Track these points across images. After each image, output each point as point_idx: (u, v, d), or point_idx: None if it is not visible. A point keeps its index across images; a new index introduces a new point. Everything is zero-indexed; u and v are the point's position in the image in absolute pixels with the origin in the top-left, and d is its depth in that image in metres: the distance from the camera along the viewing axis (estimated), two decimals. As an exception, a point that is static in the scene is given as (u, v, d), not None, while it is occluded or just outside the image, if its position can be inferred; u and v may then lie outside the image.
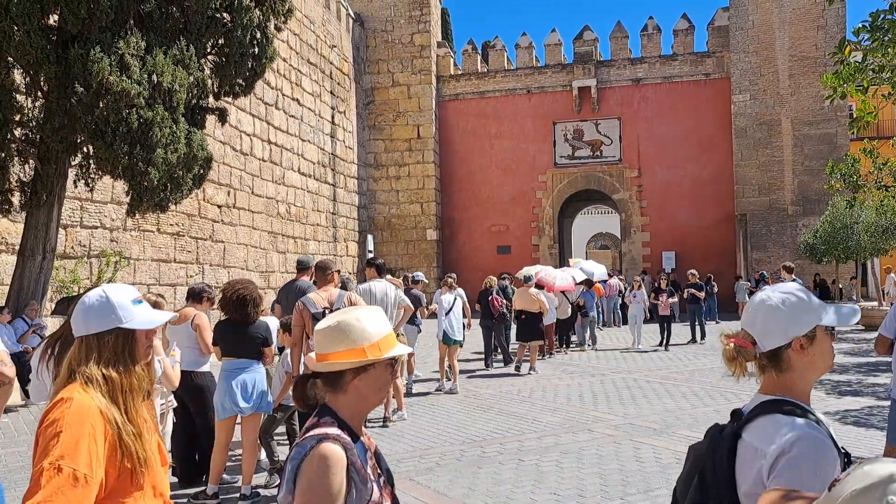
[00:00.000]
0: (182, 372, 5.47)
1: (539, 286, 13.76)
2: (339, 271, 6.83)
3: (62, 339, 3.44)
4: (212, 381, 6.13)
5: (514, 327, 13.39)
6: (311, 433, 1.82)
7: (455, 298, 11.18)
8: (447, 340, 10.83)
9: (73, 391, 1.98)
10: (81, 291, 10.89)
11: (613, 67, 27.56)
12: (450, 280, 11.75)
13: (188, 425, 6.22)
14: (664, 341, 15.82)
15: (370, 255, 24.68)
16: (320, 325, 1.97)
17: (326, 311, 5.79)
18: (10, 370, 3.04)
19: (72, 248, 12.80)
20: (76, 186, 11.22)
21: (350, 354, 1.89)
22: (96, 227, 13.38)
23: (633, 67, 27.41)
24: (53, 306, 11.78)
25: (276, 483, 6.13)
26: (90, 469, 1.86)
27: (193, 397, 6.10)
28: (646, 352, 15.39)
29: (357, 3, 27.97)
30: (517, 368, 12.67)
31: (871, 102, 7.48)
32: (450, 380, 10.76)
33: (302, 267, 8.15)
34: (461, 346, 11.26)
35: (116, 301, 2.08)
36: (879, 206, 19.52)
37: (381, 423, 8.38)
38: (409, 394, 10.20)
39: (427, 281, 14.52)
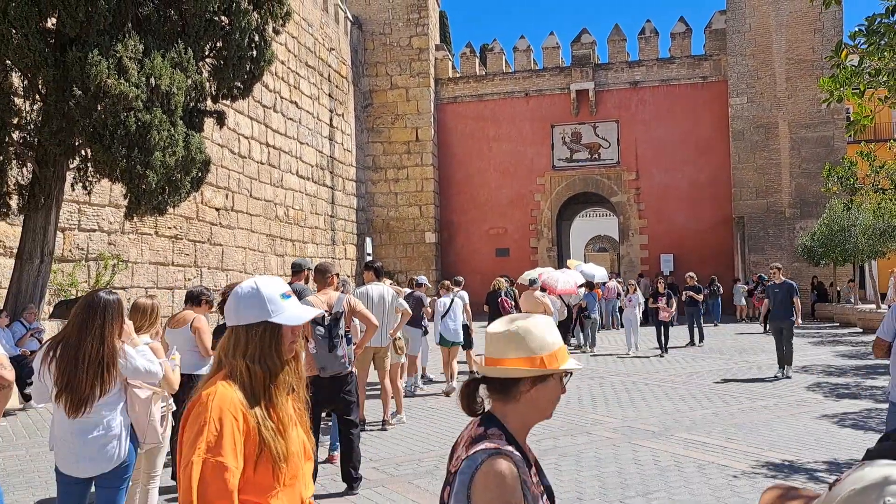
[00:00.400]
0: (182, 375, 5.46)
1: (542, 289, 13.81)
2: (338, 275, 6.83)
3: (63, 342, 3.45)
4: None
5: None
6: (482, 446, 1.73)
7: (452, 300, 11.20)
8: (444, 342, 10.93)
9: (217, 384, 2.01)
10: (79, 294, 10.84)
11: (611, 70, 27.62)
12: (447, 283, 11.82)
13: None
14: (662, 346, 15.77)
15: (368, 258, 24.70)
16: (493, 327, 1.87)
17: (326, 315, 5.79)
18: (10, 374, 3.04)
19: (70, 251, 12.79)
20: (74, 189, 11.21)
21: (527, 362, 1.79)
22: (94, 231, 13.37)
23: (630, 70, 27.48)
24: (52, 310, 11.77)
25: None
26: (235, 461, 1.91)
27: (193, 400, 6.08)
28: (645, 357, 15.39)
29: (355, 5, 28.01)
30: None
31: (867, 106, 7.49)
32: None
33: (297, 270, 8.13)
34: (464, 347, 11.30)
35: (266, 294, 2.07)
36: (876, 209, 19.57)
37: (380, 427, 8.37)
38: (412, 395, 10.21)
39: (430, 285, 14.53)
